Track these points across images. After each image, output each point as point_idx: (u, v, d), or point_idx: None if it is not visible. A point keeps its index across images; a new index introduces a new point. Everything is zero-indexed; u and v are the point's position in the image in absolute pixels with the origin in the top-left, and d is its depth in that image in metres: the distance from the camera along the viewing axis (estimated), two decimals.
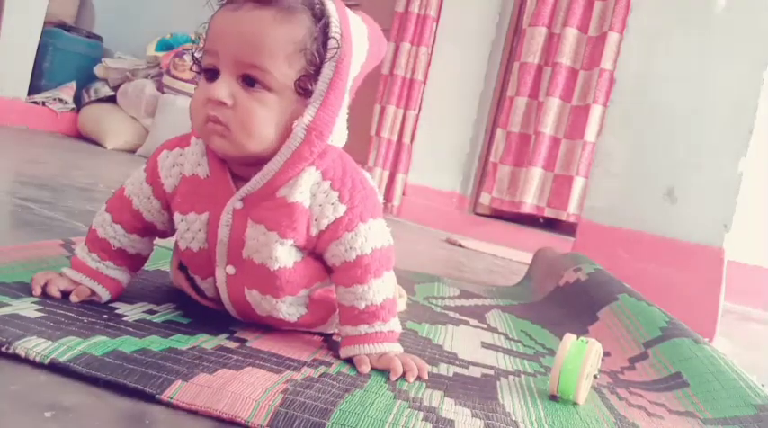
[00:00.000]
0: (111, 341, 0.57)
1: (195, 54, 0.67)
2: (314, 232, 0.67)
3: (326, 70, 0.63)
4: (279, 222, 0.65)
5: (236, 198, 0.66)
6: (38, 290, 0.66)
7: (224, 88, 0.61)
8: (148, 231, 0.72)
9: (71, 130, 3.48)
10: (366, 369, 0.66)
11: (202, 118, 0.63)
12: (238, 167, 0.67)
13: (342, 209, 0.66)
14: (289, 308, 0.70)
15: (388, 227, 0.71)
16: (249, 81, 0.62)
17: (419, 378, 0.66)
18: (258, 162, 0.64)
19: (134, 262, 0.73)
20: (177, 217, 0.69)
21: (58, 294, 0.67)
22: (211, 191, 0.67)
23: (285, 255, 0.66)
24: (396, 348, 0.69)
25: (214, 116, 0.62)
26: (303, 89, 0.63)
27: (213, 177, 0.67)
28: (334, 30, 0.63)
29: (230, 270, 0.68)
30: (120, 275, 0.71)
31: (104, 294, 0.69)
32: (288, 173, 0.64)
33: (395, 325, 0.70)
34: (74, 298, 0.67)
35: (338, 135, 0.67)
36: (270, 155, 0.64)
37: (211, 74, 0.63)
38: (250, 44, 0.61)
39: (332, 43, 0.63)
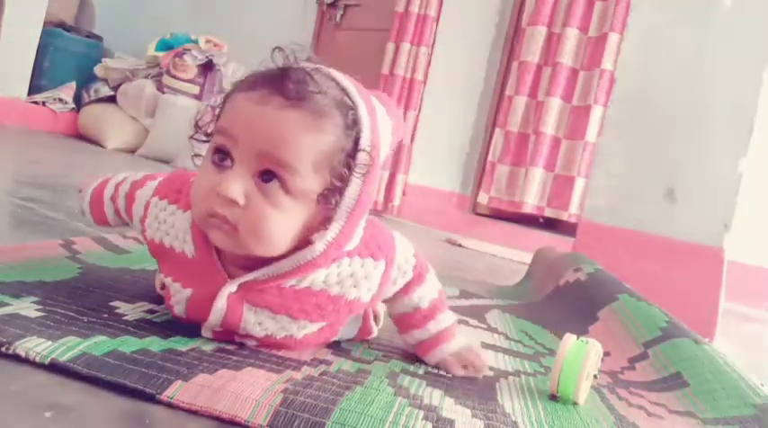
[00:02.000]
0: (111, 341, 0.57)
1: (201, 122, 0.61)
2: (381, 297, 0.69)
3: (354, 186, 0.58)
4: (307, 311, 0.62)
5: (231, 285, 0.61)
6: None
7: (238, 185, 0.55)
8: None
9: (71, 130, 3.48)
10: (458, 372, 0.71)
11: (206, 210, 0.57)
12: (231, 253, 0.61)
13: (392, 289, 0.69)
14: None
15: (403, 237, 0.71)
16: (266, 177, 0.55)
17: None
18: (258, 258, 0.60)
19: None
20: (161, 273, 0.67)
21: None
22: (196, 272, 0.62)
23: (312, 326, 0.65)
24: (461, 341, 0.74)
25: (222, 215, 0.56)
26: (325, 201, 0.57)
27: (199, 258, 0.62)
28: (365, 142, 0.58)
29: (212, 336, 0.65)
30: None
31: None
32: (296, 275, 0.60)
33: (451, 317, 0.74)
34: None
35: (356, 240, 0.63)
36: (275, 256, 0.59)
37: (221, 156, 0.57)
38: (278, 140, 0.54)
39: (362, 157, 0.58)
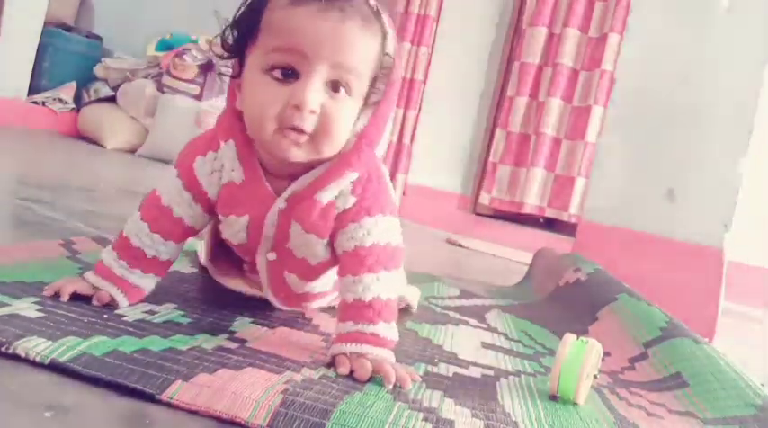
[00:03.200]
0: (111, 341, 0.57)
1: (227, 39, 0.65)
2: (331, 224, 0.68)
3: (380, 82, 0.65)
4: (316, 224, 0.67)
5: (281, 198, 0.67)
6: (50, 292, 0.65)
7: (316, 95, 0.59)
8: (186, 235, 0.72)
9: (71, 130, 3.48)
10: (343, 370, 0.62)
11: (276, 124, 0.60)
12: (273, 167, 0.67)
13: (351, 200, 0.67)
14: (323, 287, 0.77)
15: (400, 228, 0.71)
16: (335, 86, 0.61)
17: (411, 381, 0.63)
18: (299, 164, 0.65)
19: (164, 267, 0.72)
20: (218, 217, 0.71)
21: (66, 297, 0.65)
22: (248, 195, 0.67)
23: (323, 252, 0.70)
24: (378, 353, 0.64)
25: (298, 126, 0.60)
26: (367, 98, 0.65)
27: (248, 181, 0.67)
28: (391, 46, 0.65)
29: (271, 256, 0.71)
30: (146, 282, 0.70)
31: (124, 302, 0.68)
32: (331, 177, 0.65)
33: (384, 330, 0.65)
34: (95, 302, 0.66)
35: (383, 145, 0.68)
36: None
37: (285, 71, 0.60)
38: (350, 49, 0.61)
39: (387, 60, 0.65)
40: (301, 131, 0.60)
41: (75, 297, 0.67)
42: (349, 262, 0.67)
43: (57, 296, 0.66)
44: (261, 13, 0.62)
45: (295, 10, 0.59)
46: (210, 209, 0.71)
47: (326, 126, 0.61)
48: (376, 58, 0.64)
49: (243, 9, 0.64)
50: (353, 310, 0.66)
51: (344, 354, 0.64)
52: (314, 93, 0.59)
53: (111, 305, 0.67)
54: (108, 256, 0.70)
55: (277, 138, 0.61)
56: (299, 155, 0.62)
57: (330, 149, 0.63)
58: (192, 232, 0.72)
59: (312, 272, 0.73)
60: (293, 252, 0.70)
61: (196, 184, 0.69)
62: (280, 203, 0.67)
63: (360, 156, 0.65)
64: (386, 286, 0.67)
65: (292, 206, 0.67)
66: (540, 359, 0.88)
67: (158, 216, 0.70)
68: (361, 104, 0.65)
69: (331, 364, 0.64)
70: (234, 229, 0.70)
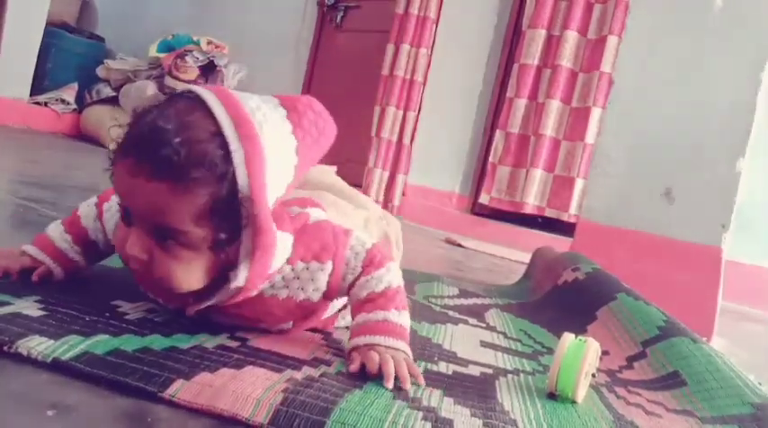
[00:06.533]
0: (112, 339, 0.58)
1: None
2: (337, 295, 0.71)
3: (245, 237, 0.60)
4: (260, 319, 0.69)
5: (190, 310, 0.67)
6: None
7: (137, 244, 0.59)
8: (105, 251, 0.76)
9: (73, 131, 3.49)
10: (354, 367, 0.63)
11: (126, 260, 0.63)
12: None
13: (358, 269, 0.69)
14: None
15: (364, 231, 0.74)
16: (162, 237, 0.59)
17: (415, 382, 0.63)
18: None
19: (97, 256, 0.77)
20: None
21: (17, 276, 0.70)
22: (160, 288, 0.66)
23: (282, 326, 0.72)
24: (390, 343, 0.65)
25: (137, 267, 0.61)
26: (219, 242, 0.59)
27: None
28: (244, 197, 0.58)
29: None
30: (81, 260, 0.74)
31: (59, 275, 0.72)
32: (236, 300, 0.65)
33: (396, 316, 0.67)
34: (34, 278, 0.70)
35: (280, 260, 0.65)
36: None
37: (126, 215, 0.61)
38: (154, 209, 0.57)
39: (242, 211, 0.58)
40: (143, 267, 0.60)
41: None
42: (360, 286, 0.69)
43: (6, 275, 0.69)
44: None
45: (120, 164, 0.58)
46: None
47: (160, 273, 0.60)
48: (205, 211, 0.57)
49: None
50: (367, 304, 0.68)
51: (357, 349, 0.66)
52: (137, 241, 0.59)
53: (48, 277, 0.71)
54: (55, 230, 0.74)
55: (133, 270, 0.64)
56: (153, 286, 0.65)
57: (181, 289, 0.61)
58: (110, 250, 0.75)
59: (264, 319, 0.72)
60: (235, 320, 0.70)
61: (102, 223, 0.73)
62: (190, 311, 0.67)
63: (255, 290, 0.64)
64: (396, 274, 0.70)
65: (207, 308, 0.66)
66: (538, 357, 0.88)
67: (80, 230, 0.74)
68: (208, 253, 0.60)
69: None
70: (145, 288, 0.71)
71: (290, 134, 0.62)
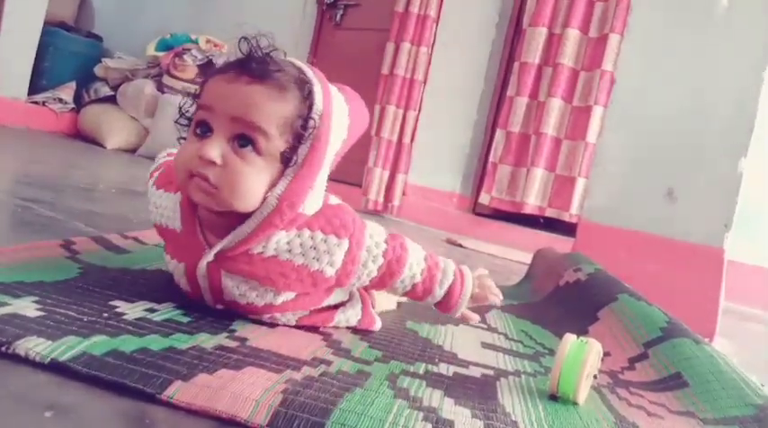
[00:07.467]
0: (111, 340, 0.57)
1: (184, 107, 0.70)
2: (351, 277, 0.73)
3: (304, 147, 0.67)
4: (272, 279, 0.69)
5: (211, 252, 0.69)
6: None
7: (216, 147, 0.64)
8: None
9: (71, 130, 3.48)
10: (475, 318, 0.81)
11: (188, 173, 0.65)
12: (210, 221, 0.70)
13: (380, 259, 0.73)
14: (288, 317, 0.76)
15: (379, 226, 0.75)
16: (241, 142, 0.64)
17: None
18: (231, 219, 0.67)
19: None
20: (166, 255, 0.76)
21: None
22: (185, 245, 0.72)
23: (286, 297, 0.73)
24: (468, 286, 0.78)
25: (203, 174, 0.64)
26: (287, 159, 0.66)
27: (185, 231, 0.71)
28: (316, 111, 0.67)
29: (219, 307, 0.74)
30: None
31: None
32: (258, 237, 0.67)
33: (448, 279, 0.77)
34: None
35: (311, 205, 0.69)
36: (246, 214, 0.67)
37: (202, 128, 0.66)
38: (249, 105, 0.64)
39: (311, 123, 0.67)
40: (205, 178, 0.64)
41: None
42: (384, 278, 0.74)
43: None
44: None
45: (217, 77, 0.66)
46: None
47: (228, 178, 0.64)
48: (289, 122, 0.65)
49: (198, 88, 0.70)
50: (421, 293, 0.76)
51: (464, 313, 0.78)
52: (215, 145, 0.64)
53: None
54: None
55: (188, 185, 0.66)
56: (207, 201, 0.66)
57: (239, 202, 0.65)
58: None
59: (270, 308, 0.74)
60: (237, 301, 0.72)
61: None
62: (208, 256, 0.69)
63: (282, 218, 0.66)
64: (416, 258, 0.75)
65: (222, 260, 0.69)
66: (540, 359, 0.88)
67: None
68: (277, 165, 0.66)
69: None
70: (177, 274, 0.74)
71: (344, 101, 0.72)
